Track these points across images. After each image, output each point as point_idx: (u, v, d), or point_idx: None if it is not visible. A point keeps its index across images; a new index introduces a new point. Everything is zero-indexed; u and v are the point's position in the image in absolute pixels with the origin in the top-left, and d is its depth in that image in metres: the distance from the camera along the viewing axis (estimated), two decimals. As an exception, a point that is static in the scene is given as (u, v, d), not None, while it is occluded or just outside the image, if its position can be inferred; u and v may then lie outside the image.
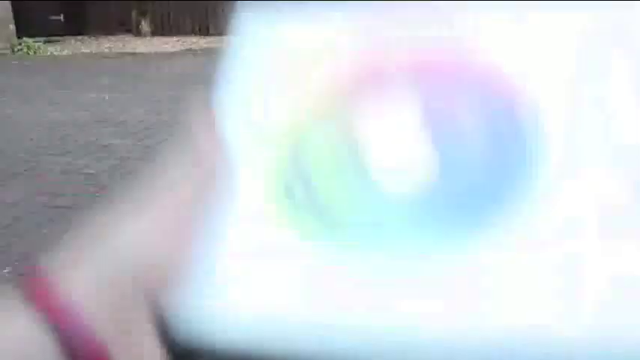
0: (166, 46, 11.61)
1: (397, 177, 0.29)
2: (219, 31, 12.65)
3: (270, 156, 0.32)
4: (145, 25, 12.74)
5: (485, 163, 0.28)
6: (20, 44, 10.87)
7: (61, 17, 12.49)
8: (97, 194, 3.31)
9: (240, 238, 0.30)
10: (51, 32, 12.09)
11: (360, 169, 0.30)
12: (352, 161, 0.30)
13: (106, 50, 11.18)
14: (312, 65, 0.34)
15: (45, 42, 11.45)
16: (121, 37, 12.78)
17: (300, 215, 0.29)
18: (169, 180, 0.32)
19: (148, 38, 12.54)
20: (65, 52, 11.01)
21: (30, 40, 10.96)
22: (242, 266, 0.29)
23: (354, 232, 0.29)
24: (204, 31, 12.79)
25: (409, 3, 0.33)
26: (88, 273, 0.29)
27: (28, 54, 10.68)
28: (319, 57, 0.34)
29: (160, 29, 12.78)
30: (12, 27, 11.15)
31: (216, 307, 0.29)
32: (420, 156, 0.29)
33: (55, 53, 10.92)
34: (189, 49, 11.04)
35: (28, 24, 11.50)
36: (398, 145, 0.30)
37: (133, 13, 12.78)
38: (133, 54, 10.61)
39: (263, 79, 0.35)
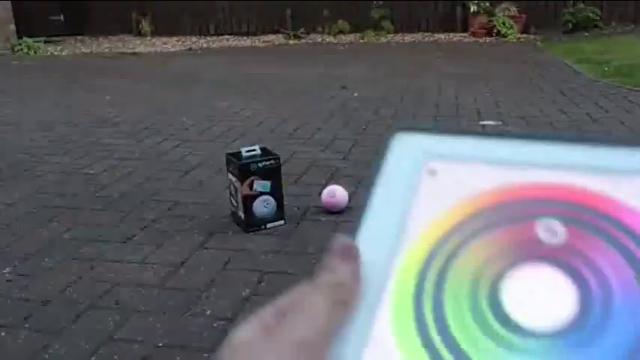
0: (166, 46, 11.62)
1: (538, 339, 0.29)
2: (219, 31, 12.66)
3: (409, 297, 0.32)
4: (145, 25, 12.74)
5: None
6: (20, 44, 10.87)
7: (61, 17, 12.49)
8: (97, 194, 3.32)
9: None
10: (51, 32, 12.09)
11: (502, 323, 0.30)
12: (493, 313, 0.30)
13: (106, 50, 11.18)
14: (459, 208, 0.33)
15: (45, 42, 11.45)
16: (121, 37, 12.78)
17: None
18: (304, 303, 0.31)
19: (148, 38, 12.54)
20: (65, 52, 11.01)
21: (30, 40, 10.96)
22: None
23: None
24: (204, 31, 12.81)
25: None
26: None
27: (28, 54, 10.68)
28: (469, 198, 0.34)
29: (160, 29, 12.79)
30: (12, 27, 11.15)
31: None
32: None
33: (55, 53, 10.92)
34: (190, 49, 11.06)
35: (28, 24, 11.50)
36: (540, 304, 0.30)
37: (133, 13, 12.78)
38: (133, 54, 10.61)
39: (410, 215, 0.34)
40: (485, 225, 0.33)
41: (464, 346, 0.30)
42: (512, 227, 0.32)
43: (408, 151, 0.36)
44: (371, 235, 0.33)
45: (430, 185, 0.35)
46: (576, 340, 0.28)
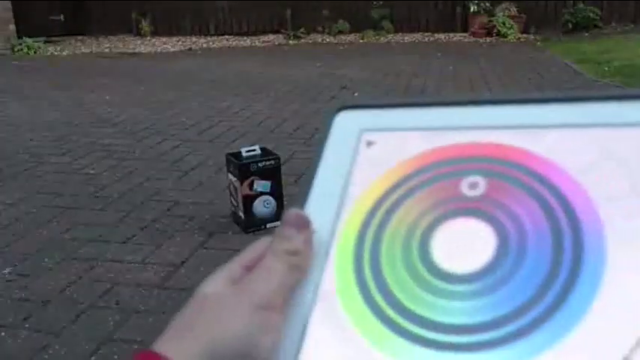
0: (166, 46, 11.61)
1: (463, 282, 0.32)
2: (220, 31, 12.65)
3: (350, 257, 0.35)
4: (144, 25, 12.74)
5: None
6: (20, 44, 10.87)
7: (61, 17, 12.49)
8: (96, 194, 3.32)
9: (322, 333, 0.33)
10: (51, 32, 12.08)
11: (435, 277, 0.33)
12: (426, 268, 0.34)
13: (106, 50, 11.17)
14: (392, 172, 0.37)
15: (45, 42, 11.44)
16: (121, 37, 12.77)
17: (378, 326, 0.33)
18: (264, 267, 0.35)
19: (148, 38, 12.54)
20: (65, 52, 11.01)
21: (30, 40, 10.96)
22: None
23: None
24: (204, 31, 12.81)
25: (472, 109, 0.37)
26: (190, 349, 0.32)
27: (28, 54, 10.68)
28: (402, 163, 0.37)
29: (160, 29, 12.79)
30: (12, 27, 11.15)
31: None
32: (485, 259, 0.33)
33: (55, 53, 10.91)
34: (190, 49, 11.05)
35: (28, 24, 11.50)
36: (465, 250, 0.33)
37: (133, 13, 12.78)
38: (133, 54, 10.61)
39: (350, 184, 0.38)
40: (417, 184, 0.36)
41: (395, 291, 0.33)
42: (439, 184, 0.36)
43: (347, 127, 0.40)
44: (317, 204, 0.37)
45: (367, 155, 0.39)
46: (494, 280, 0.32)
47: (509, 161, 0.35)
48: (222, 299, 0.33)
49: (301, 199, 0.38)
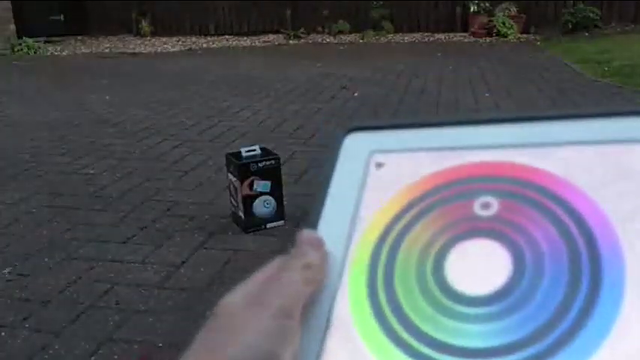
0: (166, 46, 11.61)
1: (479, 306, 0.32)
2: (220, 31, 12.66)
3: (363, 279, 0.35)
4: (145, 25, 12.74)
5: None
6: (20, 44, 10.87)
7: (61, 17, 12.49)
8: (96, 194, 3.32)
9: (336, 351, 0.34)
10: (51, 32, 12.08)
11: (449, 296, 0.33)
12: (440, 289, 0.33)
13: (106, 50, 11.17)
14: (403, 194, 0.37)
15: (45, 42, 11.45)
16: (121, 37, 12.77)
17: (389, 344, 0.33)
18: (280, 280, 0.35)
19: (148, 38, 12.54)
20: (65, 52, 11.01)
21: (30, 40, 10.96)
22: None
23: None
24: (204, 31, 12.81)
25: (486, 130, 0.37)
26: None
27: (28, 54, 10.68)
28: (412, 184, 0.37)
29: (160, 29, 12.79)
30: (12, 27, 11.15)
31: None
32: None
33: (55, 53, 10.91)
34: (190, 49, 11.05)
35: (28, 24, 11.50)
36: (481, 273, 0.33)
37: (133, 13, 12.78)
38: (133, 54, 10.61)
39: (360, 206, 0.38)
40: (428, 206, 0.36)
41: (410, 313, 0.33)
42: (451, 205, 0.36)
43: (356, 149, 0.40)
44: (328, 226, 0.38)
45: (377, 176, 0.39)
46: (510, 303, 0.31)
47: (521, 180, 0.34)
48: (240, 313, 0.34)
49: (312, 221, 0.38)
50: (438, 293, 0.33)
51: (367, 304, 0.34)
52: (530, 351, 0.29)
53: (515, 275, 0.32)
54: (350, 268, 0.36)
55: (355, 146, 0.40)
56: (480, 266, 0.33)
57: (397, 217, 0.36)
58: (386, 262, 0.35)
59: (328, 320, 0.34)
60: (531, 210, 0.33)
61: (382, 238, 0.36)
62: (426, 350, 0.31)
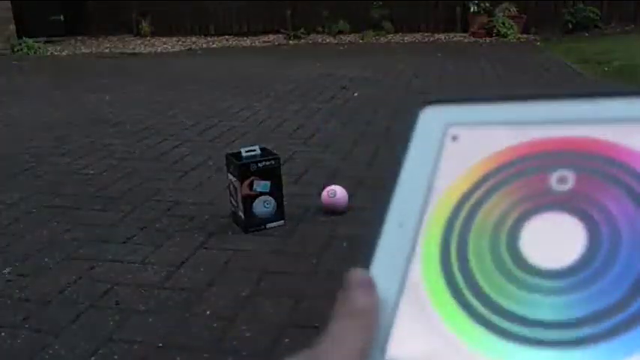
0: (166, 46, 11.61)
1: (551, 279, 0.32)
2: (219, 31, 12.66)
3: (437, 248, 0.36)
4: (145, 26, 12.74)
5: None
6: (20, 44, 10.87)
7: (61, 17, 12.48)
8: (96, 194, 3.32)
9: (410, 323, 0.34)
10: (51, 32, 12.08)
11: (525, 276, 0.33)
12: (518, 267, 0.33)
13: (106, 50, 11.17)
14: (478, 166, 0.38)
15: (45, 42, 11.45)
16: (121, 37, 12.77)
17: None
18: (330, 335, 0.34)
19: (148, 38, 12.54)
20: (65, 52, 11.01)
21: (30, 40, 10.96)
22: None
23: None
24: (204, 31, 12.81)
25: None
26: None
27: (28, 54, 10.67)
28: (488, 157, 0.38)
29: (160, 29, 12.79)
30: (12, 27, 11.15)
31: None
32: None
33: (55, 53, 10.91)
34: (190, 49, 11.05)
35: (28, 24, 11.50)
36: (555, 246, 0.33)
37: (133, 14, 12.78)
38: (133, 54, 10.61)
39: (436, 177, 0.39)
40: (503, 178, 0.36)
41: (482, 283, 0.33)
42: (527, 179, 0.36)
43: (432, 122, 0.40)
44: (404, 197, 0.38)
45: (452, 149, 0.39)
46: (584, 277, 0.31)
47: (600, 156, 0.34)
48: None
49: (388, 192, 0.39)
50: (511, 264, 0.33)
51: (439, 272, 0.35)
52: (601, 326, 0.30)
53: (590, 250, 0.32)
54: (424, 237, 0.36)
55: (431, 120, 0.41)
56: (554, 239, 0.33)
57: (472, 189, 0.37)
58: (460, 232, 0.36)
59: (400, 290, 0.35)
60: (609, 186, 0.33)
61: (457, 209, 0.36)
62: (498, 320, 0.32)
